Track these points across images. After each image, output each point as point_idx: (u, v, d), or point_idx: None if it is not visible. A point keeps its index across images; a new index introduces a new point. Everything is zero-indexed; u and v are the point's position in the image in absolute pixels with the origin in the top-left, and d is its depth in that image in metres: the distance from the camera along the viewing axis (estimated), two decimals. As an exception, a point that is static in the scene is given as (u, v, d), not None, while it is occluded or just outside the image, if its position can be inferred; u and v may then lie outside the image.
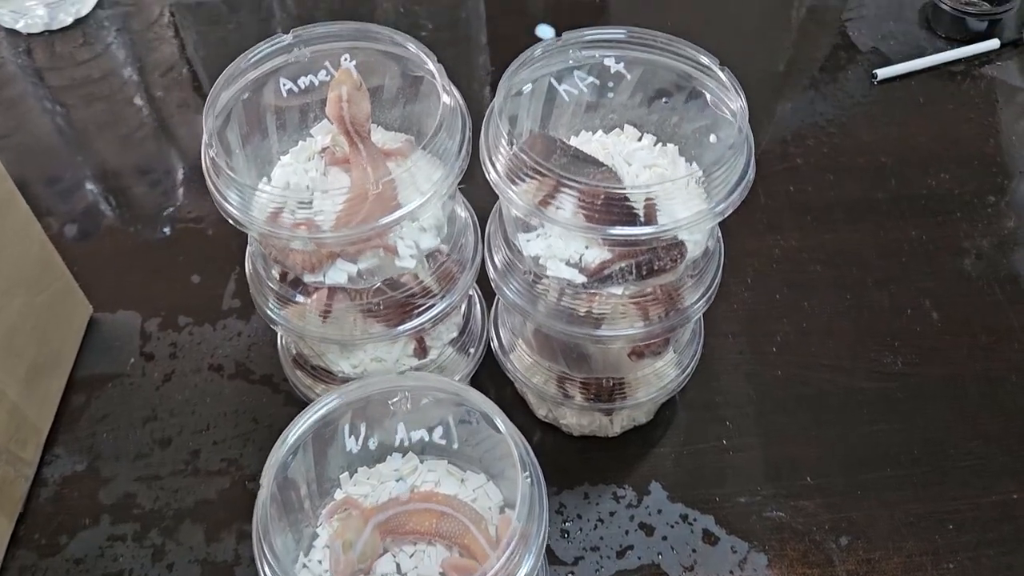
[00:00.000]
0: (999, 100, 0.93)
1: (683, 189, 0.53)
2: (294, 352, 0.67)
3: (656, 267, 0.54)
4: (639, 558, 0.64)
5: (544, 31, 1.02)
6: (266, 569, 0.46)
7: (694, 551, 0.65)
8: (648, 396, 0.66)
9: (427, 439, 0.51)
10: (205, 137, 0.53)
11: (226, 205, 0.53)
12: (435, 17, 1.04)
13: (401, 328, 0.59)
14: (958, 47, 0.96)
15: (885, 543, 0.64)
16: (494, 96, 0.55)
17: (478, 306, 0.70)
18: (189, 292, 0.80)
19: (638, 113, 0.61)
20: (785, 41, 1.01)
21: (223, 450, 0.70)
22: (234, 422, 0.72)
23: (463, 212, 0.63)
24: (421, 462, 0.57)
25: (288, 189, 0.58)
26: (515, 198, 0.52)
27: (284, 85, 0.56)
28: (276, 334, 0.76)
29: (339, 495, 0.56)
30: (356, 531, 0.49)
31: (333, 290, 0.60)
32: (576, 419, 0.69)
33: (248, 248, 0.62)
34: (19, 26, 1.01)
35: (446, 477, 0.57)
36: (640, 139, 0.61)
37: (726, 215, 0.52)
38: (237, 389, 0.74)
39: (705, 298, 0.60)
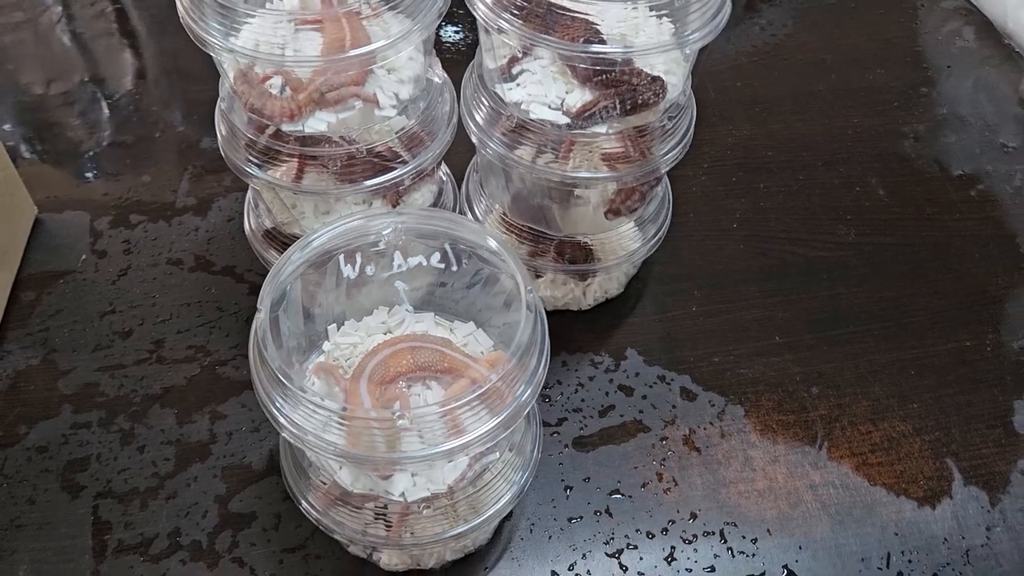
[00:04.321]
0: (923, 5, 0.98)
1: (655, 26, 0.54)
2: (267, 227, 0.65)
3: (640, 101, 0.55)
4: (621, 416, 0.65)
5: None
6: (268, 389, 0.45)
7: (674, 407, 0.66)
8: (618, 260, 0.67)
9: (424, 263, 0.50)
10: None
11: (207, 36, 0.51)
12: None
13: (368, 183, 0.58)
14: (884, -43, 1.00)
15: (853, 389, 0.67)
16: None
17: (448, 184, 0.70)
18: (139, 191, 0.77)
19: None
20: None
21: (188, 338, 0.68)
22: (198, 312, 0.70)
23: (439, 78, 0.62)
24: (409, 312, 0.56)
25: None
26: (507, 26, 0.52)
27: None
28: (238, 226, 0.74)
29: (327, 347, 0.55)
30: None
31: (304, 160, 0.59)
32: (550, 291, 0.70)
33: (219, 106, 0.60)
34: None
35: (434, 328, 0.56)
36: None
37: (700, 43, 0.54)
38: (199, 281, 0.72)
39: (678, 149, 0.61)
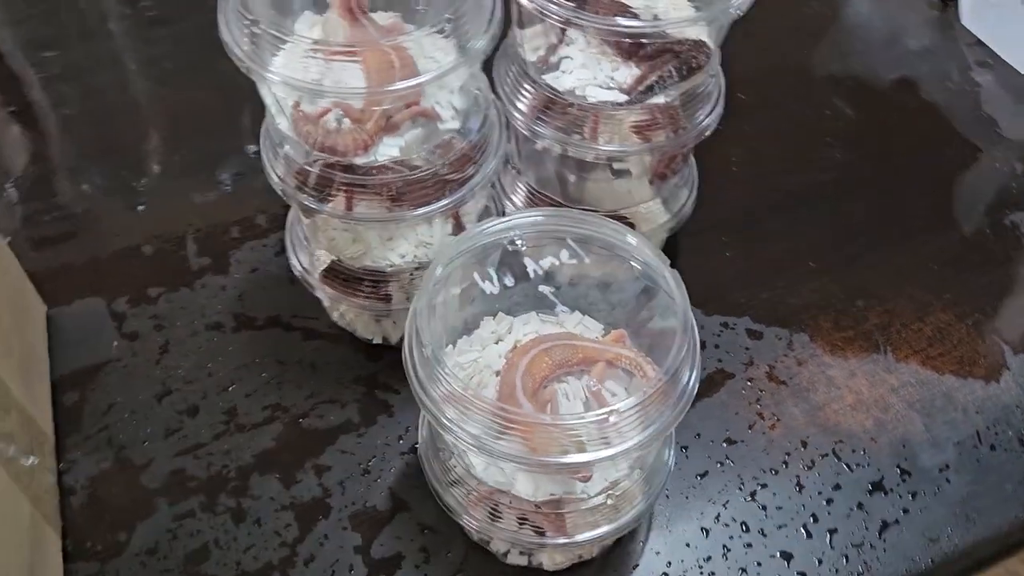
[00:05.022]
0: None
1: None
2: (324, 265, 0.63)
3: (694, 64, 0.57)
4: (704, 368, 0.68)
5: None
6: (442, 407, 0.45)
7: (747, 349, 0.69)
8: (653, 229, 0.69)
9: (556, 263, 0.50)
10: (248, 17, 0.49)
11: (268, 75, 0.49)
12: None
13: (446, 201, 0.58)
14: None
15: (893, 294, 0.72)
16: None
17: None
18: (146, 264, 0.73)
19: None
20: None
21: (259, 399, 0.65)
22: (259, 370, 0.67)
23: (480, 89, 0.61)
24: (513, 317, 0.56)
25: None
26: (558, 10, 0.53)
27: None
28: (264, 275, 0.72)
29: (449, 371, 0.54)
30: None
31: (351, 191, 0.58)
32: (600, 268, 0.71)
33: (270, 150, 0.58)
34: None
35: (541, 325, 0.57)
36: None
37: (742, 11, 0.56)
38: (247, 339, 0.69)
39: (714, 113, 0.64)
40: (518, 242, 0.50)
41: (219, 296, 0.71)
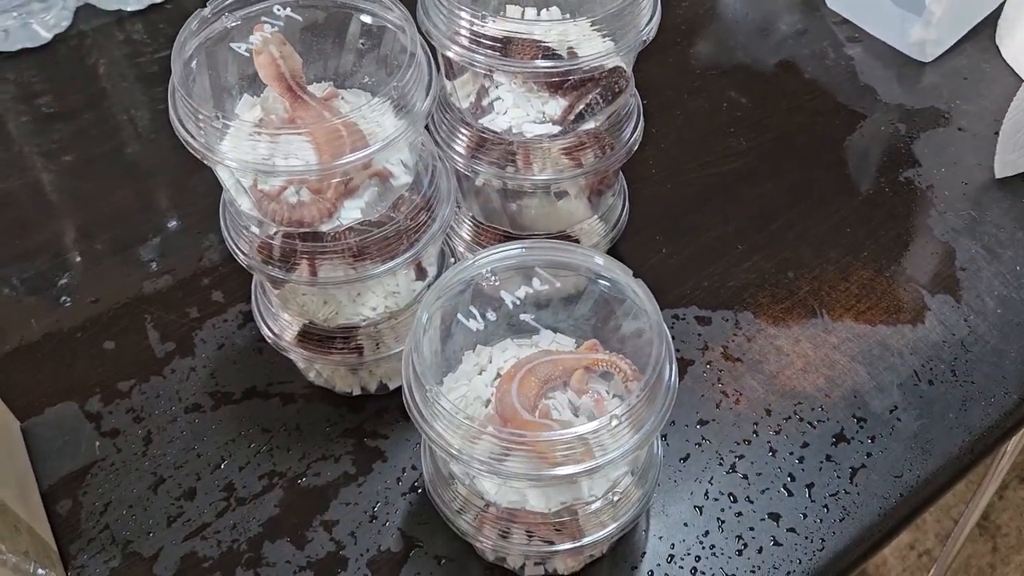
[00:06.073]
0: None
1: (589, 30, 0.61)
2: (296, 330, 0.65)
3: (616, 89, 0.62)
4: (665, 361, 0.73)
5: None
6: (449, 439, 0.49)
7: (699, 335, 0.74)
8: (598, 240, 0.74)
9: (530, 290, 0.54)
10: (203, 113, 0.52)
11: (228, 163, 0.52)
12: None
13: (409, 253, 0.61)
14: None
15: (817, 261, 0.79)
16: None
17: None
18: (111, 359, 0.73)
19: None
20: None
21: (253, 470, 0.67)
22: (246, 443, 0.68)
23: (427, 144, 0.64)
24: (491, 347, 0.60)
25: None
26: (483, 59, 0.57)
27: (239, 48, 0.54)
28: (231, 348, 0.73)
29: (445, 403, 0.57)
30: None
31: (313, 258, 0.61)
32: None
33: (232, 231, 0.60)
34: None
35: (518, 350, 0.60)
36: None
37: (651, 36, 0.61)
38: (228, 415, 0.70)
39: (638, 130, 0.69)
40: (491, 278, 0.54)
41: (191, 378, 0.72)
